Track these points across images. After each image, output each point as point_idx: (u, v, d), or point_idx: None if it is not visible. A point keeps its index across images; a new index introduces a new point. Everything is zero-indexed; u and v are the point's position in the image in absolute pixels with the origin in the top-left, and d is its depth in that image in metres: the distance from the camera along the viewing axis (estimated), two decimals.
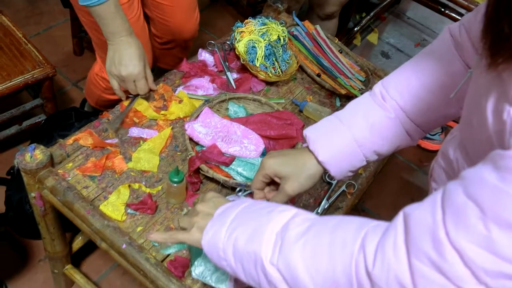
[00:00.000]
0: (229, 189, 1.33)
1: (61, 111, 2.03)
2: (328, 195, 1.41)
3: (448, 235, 0.60)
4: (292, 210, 0.84)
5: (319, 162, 1.01)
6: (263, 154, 1.41)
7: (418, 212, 0.66)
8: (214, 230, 0.87)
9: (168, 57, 2.18)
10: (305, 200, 1.38)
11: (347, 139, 1.00)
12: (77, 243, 1.71)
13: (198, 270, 1.07)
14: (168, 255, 1.18)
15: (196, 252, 1.09)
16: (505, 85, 0.64)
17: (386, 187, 2.54)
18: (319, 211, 1.36)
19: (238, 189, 1.14)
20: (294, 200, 1.33)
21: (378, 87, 1.03)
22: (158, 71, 2.24)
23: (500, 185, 0.57)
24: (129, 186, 1.29)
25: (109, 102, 1.99)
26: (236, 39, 1.67)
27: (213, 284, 1.05)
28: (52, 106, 2.10)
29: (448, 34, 1.00)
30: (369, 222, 0.75)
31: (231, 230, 0.84)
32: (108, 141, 1.38)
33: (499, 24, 0.61)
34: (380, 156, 1.04)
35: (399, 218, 0.69)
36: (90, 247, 1.89)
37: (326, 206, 1.38)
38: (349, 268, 0.70)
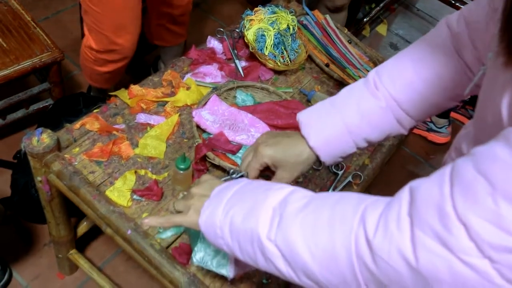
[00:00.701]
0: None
1: (69, 96, 2.03)
2: (334, 186, 1.41)
3: (455, 208, 0.59)
4: (289, 187, 0.83)
5: (310, 147, 1.02)
6: None
7: (425, 186, 0.65)
8: (211, 209, 0.86)
9: (165, 33, 2.19)
10: (311, 189, 1.37)
11: (338, 125, 1.01)
12: (82, 228, 1.72)
13: (198, 255, 1.06)
14: (173, 242, 1.18)
15: (194, 237, 1.08)
16: None
17: (392, 179, 2.53)
18: None
19: (231, 171, 1.13)
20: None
21: (372, 74, 1.03)
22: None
23: (511, 160, 0.56)
24: (136, 172, 1.29)
25: (102, 76, 2.00)
26: (245, 27, 1.66)
27: (214, 269, 1.05)
28: (60, 91, 2.10)
29: (444, 26, 1.00)
30: (369, 197, 0.75)
31: (228, 208, 0.84)
32: (115, 126, 1.38)
33: None
34: (370, 143, 1.05)
35: (405, 191, 0.68)
36: (94, 233, 1.90)
37: None
38: (348, 241, 0.70)
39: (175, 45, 2.31)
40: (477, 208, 0.57)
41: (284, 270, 0.78)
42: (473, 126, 0.91)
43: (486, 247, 0.57)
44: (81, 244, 1.89)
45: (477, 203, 0.58)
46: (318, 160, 1.05)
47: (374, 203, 0.71)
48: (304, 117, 1.04)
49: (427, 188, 0.64)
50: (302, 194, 0.81)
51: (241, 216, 0.82)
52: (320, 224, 0.74)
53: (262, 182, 0.89)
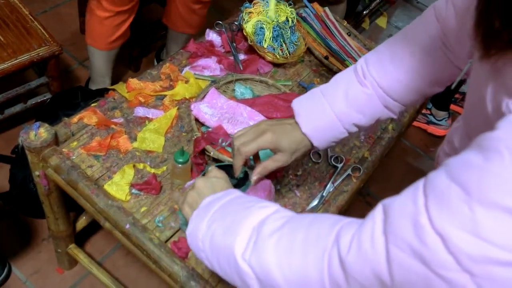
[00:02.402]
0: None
1: (67, 90, 2.02)
2: (334, 179, 1.40)
3: (431, 220, 0.57)
4: (272, 207, 0.82)
5: (302, 133, 1.05)
6: None
7: (398, 201, 0.63)
8: (197, 221, 0.86)
9: (183, 17, 2.24)
10: (310, 182, 1.37)
11: (328, 112, 1.04)
12: (81, 222, 1.71)
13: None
14: (172, 236, 1.18)
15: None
16: (502, 76, 0.64)
17: (392, 171, 2.52)
18: (324, 194, 1.35)
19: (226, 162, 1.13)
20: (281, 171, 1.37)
21: (360, 62, 1.07)
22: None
23: (484, 165, 0.55)
24: (134, 166, 1.28)
25: (118, 40, 2.05)
26: (244, 19, 1.65)
27: None
28: (58, 85, 2.09)
29: (431, 14, 1.01)
30: (345, 218, 0.73)
31: (211, 222, 0.83)
32: (113, 120, 1.37)
33: (490, 19, 0.60)
34: (360, 128, 1.08)
35: (377, 209, 0.66)
36: (93, 227, 1.89)
37: (331, 190, 1.37)
38: (321, 262, 0.69)
39: (184, 34, 2.33)
40: (453, 217, 0.55)
41: None
42: (463, 119, 0.91)
43: (465, 259, 0.54)
44: (80, 238, 1.88)
45: (453, 212, 0.55)
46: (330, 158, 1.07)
47: (350, 224, 0.70)
48: (297, 105, 1.08)
49: (401, 204, 0.62)
50: (282, 214, 0.79)
51: (221, 232, 0.81)
52: (294, 246, 0.73)
53: (250, 198, 0.88)
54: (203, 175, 0.99)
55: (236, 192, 0.89)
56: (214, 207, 0.85)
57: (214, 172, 0.97)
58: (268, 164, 1.06)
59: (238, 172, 1.07)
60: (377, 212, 0.65)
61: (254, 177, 1.07)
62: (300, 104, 1.07)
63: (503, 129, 0.55)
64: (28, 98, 2.09)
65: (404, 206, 0.61)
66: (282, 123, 1.07)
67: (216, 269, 0.84)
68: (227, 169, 1.08)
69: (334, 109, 1.04)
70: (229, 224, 0.81)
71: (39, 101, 2.12)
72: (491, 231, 0.53)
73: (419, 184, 0.62)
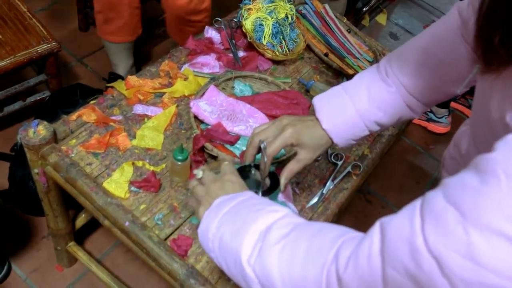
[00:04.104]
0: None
1: (66, 87, 2.02)
2: (334, 176, 1.39)
3: (426, 242, 0.56)
4: (281, 212, 0.81)
5: (323, 129, 1.04)
6: None
7: (395, 221, 0.62)
8: (207, 221, 0.86)
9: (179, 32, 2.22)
10: (310, 180, 1.37)
11: (350, 109, 1.04)
12: (80, 220, 1.71)
13: None
14: (172, 233, 1.18)
15: None
16: (506, 86, 0.63)
17: (392, 169, 2.52)
18: (324, 191, 1.34)
19: (247, 163, 1.09)
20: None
21: (383, 62, 1.07)
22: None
23: (480, 187, 0.53)
24: (133, 163, 1.28)
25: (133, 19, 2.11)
26: (243, 16, 1.65)
27: None
28: (57, 82, 2.08)
29: (456, 13, 1.00)
30: (349, 232, 0.72)
31: (221, 223, 0.83)
32: (112, 117, 1.36)
33: (489, 35, 0.60)
34: (382, 127, 1.07)
35: (375, 227, 0.65)
36: (93, 225, 1.89)
37: (331, 187, 1.37)
38: (320, 276, 0.69)
39: None
40: (448, 239, 0.54)
41: None
42: (470, 125, 0.90)
43: (460, 283, 0.53)
44: (80, 236, 1.88)
45: (448, 234, 0.54)
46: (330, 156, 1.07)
47: (351, 240, 0.69)
48: (318, 101, 1.07)
49: (398, 224, 0.61)
50: (289, 221, 0.79)
51: (229, 234, 0.81)
52: (296, 256, 0.73)
53: (260, 200, 0.87)
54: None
55: (248, 194, 0.89)
56: (225, 208, 0.85)
57: (229, 175, 0.95)
58: (293, 167, 1.06)
59: (266, 173, 1.07)
60: (375, 231, 0.65)
61: (282, 181, 1.06)
62: (321, 100, 1.07)
63: (500, 151, 0.54)
64: (27, 95, 2.08)
65: (401, 226, 0.60)
66: (303, 119, 1.06)
67: (225, 269, 0.84)
68: (244, 172, 1.07)
69: (356, 105, 1.03)
70: (237, 227, 0.81)
71: (38, 98, 2.11)
72: (486, 255, 0.52)
73: (417, 204, 0.61)
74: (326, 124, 1.04)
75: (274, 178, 1.10)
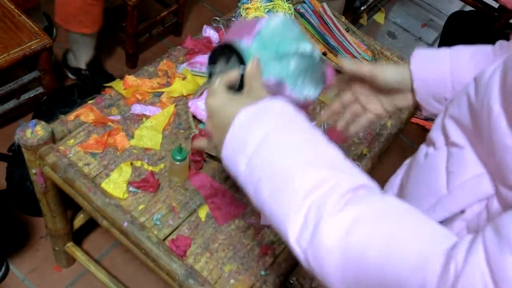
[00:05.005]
0: None
1: (63, 87, 2.01)
2: None
3: None
4: (335, 172, 0.62)
5: (410, 70, 0.93)
6: None
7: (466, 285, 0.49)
8: (232, 156, 0.67)
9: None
10: None
11: (444, 59, 0.92)
12: (79, 220, 1.70)
13: None
14: (170, 234, 1.17)
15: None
16: None
17: (390, 169, 2.51)
18: None
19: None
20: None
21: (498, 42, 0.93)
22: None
23: None
24: (131, 163, 1.28)
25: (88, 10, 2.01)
26: (241, 15, 1.64)
27: None
28: (50, 79, 2.05)
29: None
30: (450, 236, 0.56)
31: (252, 167, 0.64)
32: (110, 117, 1.36)
33: None
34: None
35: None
36: (91, 225, 1.88)
37: None
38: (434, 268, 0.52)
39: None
40: None
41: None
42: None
43: None
44: (78, 236, 1.87)
45: None
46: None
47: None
48: (417, 50, 0.96)
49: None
50: (358, 192, 0.60)
51: (267, 192, 0.63)
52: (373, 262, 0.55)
53: (301, 135, 0.66)
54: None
55: (279, 109, 0.68)
56: (252, 140, 0.65)
57: (218, 95, 0.74)
58: (363, 67, 0.95)
59: None
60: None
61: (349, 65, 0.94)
62: (419, 49, 0.96)
63: None
64: (21, 93, 2.06)
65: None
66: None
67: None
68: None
69: (453, 58, 0.91)
70: (277, 185, 0.62)
71: (32, 96, 2.08)
72: None
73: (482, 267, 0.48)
74: (414, 65, 0.92)
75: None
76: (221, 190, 1.27)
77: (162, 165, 1.30)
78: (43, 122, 1.25)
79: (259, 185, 0.64)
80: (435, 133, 0.79)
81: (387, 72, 0.94)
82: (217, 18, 1.71)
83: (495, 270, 0.47)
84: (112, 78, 2.09)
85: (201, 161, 1.30)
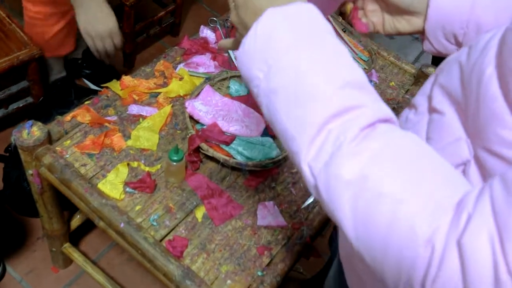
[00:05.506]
0: (229, 168, 1.31)
1: (60, 88, 2.00)
2: None
3: (510, 273, 0.45)
4: (359, 99, 0.58)
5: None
6: (264, 133, 1.39)
7: (472, 237, 0.48)
8: (250, 54, 0.64)
9: None
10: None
11: None
12: (75, 221, 1.70)
13: None
14: (167, 235, 1.17)
15: None
16: None
17: None
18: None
19: None
20: None
21: None
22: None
23: None
24: (128, 164, 1.27)
25: (57, 42, 1.95)
26: None
27: None
28: (39, 88, 2.01)
29: None
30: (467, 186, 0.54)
31: (272, 73, 0.62)
32: (107, 118, 1.36)
33: None
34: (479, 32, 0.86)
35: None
36: (88, 226, 1.88)
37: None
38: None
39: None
40: None
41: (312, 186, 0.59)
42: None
43: None
44: (75, 237, 1.87)
45: None
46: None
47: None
48: None
49: (476, 243, 0.47)
50: (380, 127, 0.57)
51: (284, 110, 0.61)
52: (384, 202, 0.53)
53: (321, 45, 0.63)
54: None
55: (306, 11, 0.65)
56: (279, 47, 0.62)
57: None
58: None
59: None
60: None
61: None
62: None
63: None
64: (9, 103, 2.00)
65: (480, 252, 0.47)
66: None
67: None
68: None
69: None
70: (298, 98, 0.59)
71: (20, 105, 2.03)
72: None
73: (487, 212, 0.48)
74: None
75: None
76: (217, 191, 1.26)
77: (158, 166, 1.29)
78: (39, 123, 1.25)
79: (276, 95, 0.61)
80: (419, 98, 0.77)
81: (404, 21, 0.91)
82: (214, 18, 1.71)
83: (500, 221, 0.46)
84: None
85: (198, 162, 1.30)
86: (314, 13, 0.65)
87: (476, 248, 0.46)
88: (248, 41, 0.64)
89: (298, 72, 0.60)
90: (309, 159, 0.58)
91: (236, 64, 0.66)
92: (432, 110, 0.72)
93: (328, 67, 0.60)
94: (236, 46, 0.77)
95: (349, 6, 0.96)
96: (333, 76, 0.60)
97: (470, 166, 0.63)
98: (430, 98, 0.74)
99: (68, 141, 1.29)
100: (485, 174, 0.57)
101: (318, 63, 0.60)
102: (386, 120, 0.58)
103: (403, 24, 0.93)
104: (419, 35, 0.94)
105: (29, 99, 2.05)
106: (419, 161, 0.55)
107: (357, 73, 0.61)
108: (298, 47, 0.61)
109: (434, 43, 0.91)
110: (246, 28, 0.67)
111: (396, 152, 0.55)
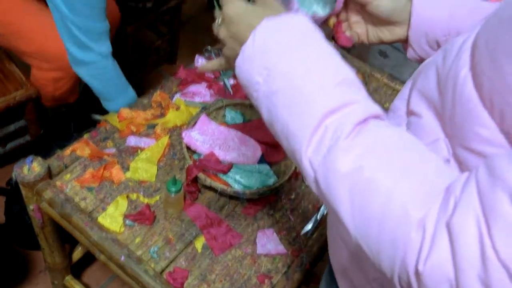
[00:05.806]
0: (227, 197, 1.32)
1: (60, 120, 2.02)
2: None
3: (497, 254, 0.48)
4: (352, 96, 0.62)
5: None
6: (261, 160, 1.40)
7: (460, 219, 0.51)
8: (249, 61, 0.68)
9: None
10: (304, 206, 1.37)
11: (445, 3, 0.90)
12: (77, 254, 1.71)
13: None
14: (167, 266, 1.18)
15: None
16: None
17: None
18: (318, 217, 1.35)
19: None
20: None
21: None
22: None
23: None
24: (127, 196, 1.29)
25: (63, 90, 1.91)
26: None
27: None
28: (37, 128, 2.01)
29: None
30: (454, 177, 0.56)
31: (271, 77, 0.65)
32: (106, 150, 1.37)
33: None
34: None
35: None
36: (89, 258, 1.88)
37: (325, 212, 1.37)
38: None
39: None
40: None
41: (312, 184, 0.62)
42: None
43: None
44: (77, 269, 1.87)
45: None
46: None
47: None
48: None
49: (463, 223, 0.50)
50: (375, 121, 0.61)
51: (286, 103, 0.64)
52: (378, 195, 0.56)
53: (315, 52, 0.66)
54: None
55: (301, 25, 0.68)
56: (276, 52, 0.66)
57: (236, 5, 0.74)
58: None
59: None
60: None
61: None
62: None
63: None
64: (6, 142, 2.01)
65: (467, 230, 0.50)
66: None
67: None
68: None
69: (456, 4, 0.88)
70: (297, 98, 0.63)
71: (17, 144, 2.03)
72: None
73: (473, 195, 0.50)
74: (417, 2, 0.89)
75: None
76: (216, 220, 1.27)
77: (157, 197, 1.31)
78: (39, 158, 1.27)
79: (277, 96, 0.64)
80: (398, 102, 0.80)
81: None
82: (208, 47, 1.73)
83: (485, 202, 0.49)
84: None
85: (196, 192, 1.31)
86: (305, 21, 0.69)
87: (464, 229, 0.49)
88: (247, 49, 0.68)
89: (297, 72, 0.64)
90: (310, 153, 0.61)
91: (235, 73, 0.69)
92: (410, 113, 0.75)
93: (325, 66, 0.65)
94: (224, 63, 0.81)
95: (332, 20, 0.98)
96: (330, 74, 0.64)
97: (450, 165, 0.66)
98: (408, 102, 0.77)
99: (68, 175, 1.31)
100: (465, 171, 0.59)
101: (315, 63, 0.65)
102: (376, 116, 0.62)
103: (386, 34, 0.96)
104: (402, 43, 0.97)
105: (27, 137, 2.05)
106: (410, 152, 0.59)
107: (349, 71, 0.66)
108: (294, 49, 0.65)
109: (418, 50, 0.94)
110: (239, 40, 0.71)
111: (388, 145, 0.59)
